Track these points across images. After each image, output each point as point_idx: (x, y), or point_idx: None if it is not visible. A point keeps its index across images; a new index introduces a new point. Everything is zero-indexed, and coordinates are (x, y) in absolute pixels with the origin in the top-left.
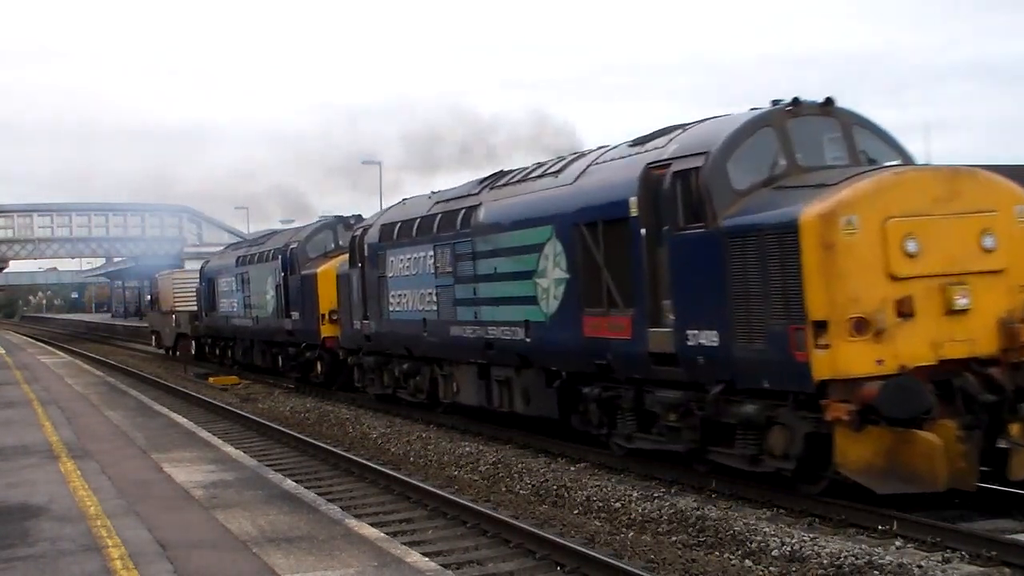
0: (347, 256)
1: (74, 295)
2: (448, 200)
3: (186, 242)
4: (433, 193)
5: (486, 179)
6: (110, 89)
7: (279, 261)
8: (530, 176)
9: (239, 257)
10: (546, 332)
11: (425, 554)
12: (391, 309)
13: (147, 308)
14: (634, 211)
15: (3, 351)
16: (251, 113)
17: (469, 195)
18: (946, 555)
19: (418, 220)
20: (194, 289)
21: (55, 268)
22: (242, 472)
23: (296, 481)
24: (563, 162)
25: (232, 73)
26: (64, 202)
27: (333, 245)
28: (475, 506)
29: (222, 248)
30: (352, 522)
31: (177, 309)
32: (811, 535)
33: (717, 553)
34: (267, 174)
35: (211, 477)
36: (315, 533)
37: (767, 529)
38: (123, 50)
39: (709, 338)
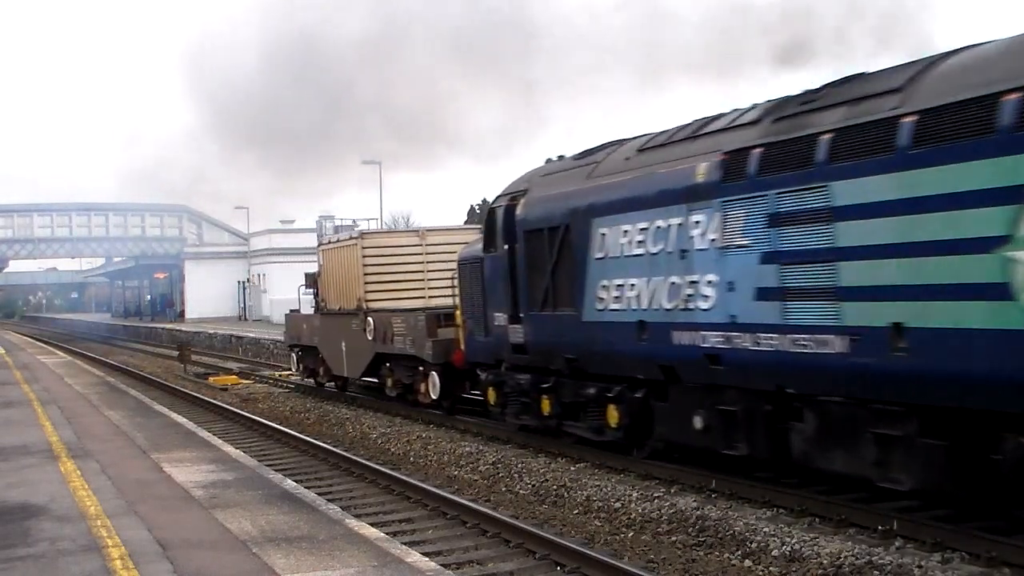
0: None
1: (74, 295)
2: None
3: (186, 242)
4: None
5: None
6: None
7: None
8: None
9: (770, 146)
10: None
11: (425, 554)
12: None
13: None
14: None
15: (3, 351)
16: None
17: None
18: (946, 555)
19: None
20: (414, 262)
21: (55, 268)
22: (242, 472)
23: (296, 481)
24: None
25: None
26: (64, 202)
27: None
28: (475, 506)
29: (571, 158)
30: (352, 522)
31: (373, 307)
32: (811, 535)
33: (717, 553)
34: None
35: (211, 477)
36: (315, 533)
37: (767, 529)
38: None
39: None
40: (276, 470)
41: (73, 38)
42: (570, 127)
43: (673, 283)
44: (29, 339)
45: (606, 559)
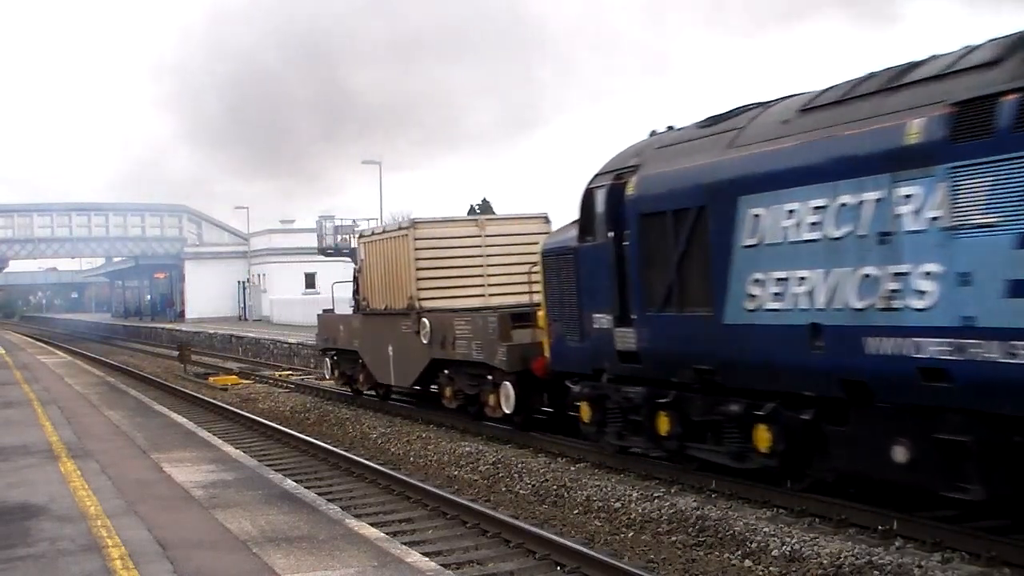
0: None
1: (74, 295)
2: None
3: (186, 242)
4: None
5: None
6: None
7: None
8: None
9: None
10: None
11: (425, 554)
12: None
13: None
14: None
15: (3, 351)
16: None
17: None
18: (946, 555)
19: None
20: (473, 255)
21: (55, 268)
22: (242, 472)
23: (296, 481)
24: None
25: None
26: (64, 202)
27: None
28: (475, 506)
29: (695, 127)
30: (352, 522)
31: (428, 306)
32: (811, 535)
33: (717, 553)
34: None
35: (211, 477)
36: (315, 533)
37: (767, 529)
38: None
39: None
40: (276, 470)
41: (72, 38)
42: (567, 125)
43: (867, 275)
44: (29, 339)
45: (606, 559)
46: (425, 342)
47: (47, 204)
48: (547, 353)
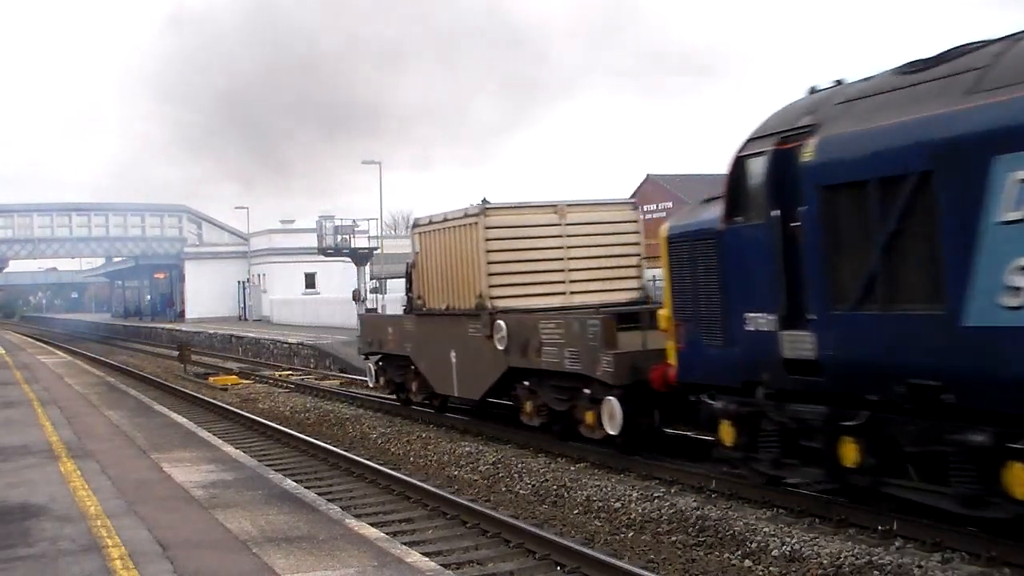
0: None
1: (74, 295)
2: None
3: (186, 242)
4: None
5: None
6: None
7: None
8: None
9: None
10: None
11: (425, 554)
12: None
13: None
14: None
15: (3, 351)
16: None
17: None
18: (946, 555)
19: None
20: (552, 247)
21: (55, 268)
22: (242, 472)
23: (296, 481)
24: None
25: None
26: (64, 202)
27: None
28: (475, 506)
29: (894, 73)
30: (352, 522)
31: (502, 305)
32: (811, 535)
33: (717, 553)
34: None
35: (211, 477)
36: (315, 533)
37: (767, 529)
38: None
39: None
40: (276, 470)
41: (71, 38)
42: (564, 123)
43: None
44: (29, 339)
45: (606, 559)
46: (500, 348)
47: (47, 204)
48: (672, 360)
